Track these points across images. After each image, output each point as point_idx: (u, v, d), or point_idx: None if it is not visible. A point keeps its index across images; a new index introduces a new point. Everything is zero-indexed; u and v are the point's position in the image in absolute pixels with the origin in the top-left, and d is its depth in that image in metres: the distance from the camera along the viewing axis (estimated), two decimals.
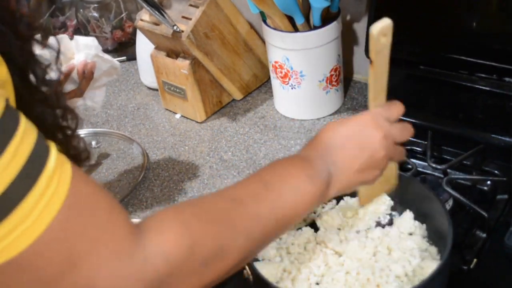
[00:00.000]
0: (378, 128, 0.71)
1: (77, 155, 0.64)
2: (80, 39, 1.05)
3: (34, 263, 0.47)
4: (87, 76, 1.04)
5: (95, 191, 0.52)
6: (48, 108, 0.57)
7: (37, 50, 0.57)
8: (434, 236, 0.84)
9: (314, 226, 0.91)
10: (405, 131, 0.75)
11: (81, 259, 0.48)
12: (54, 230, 0.47)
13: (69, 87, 1.03)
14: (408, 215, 0.87)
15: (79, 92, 1.05)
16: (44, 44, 0.58)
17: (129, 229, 0.52)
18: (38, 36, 0.57)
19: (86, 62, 1.03)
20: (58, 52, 0.60)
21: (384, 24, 0.67)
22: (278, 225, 0.65)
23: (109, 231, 0.50)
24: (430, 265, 0.78)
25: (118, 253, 0.50)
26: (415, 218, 0.87)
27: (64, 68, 1.01)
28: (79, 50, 1.05)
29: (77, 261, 0.48)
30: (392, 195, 0.90)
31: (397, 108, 0.75)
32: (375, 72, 0.71)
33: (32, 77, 0.55)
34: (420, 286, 0.73)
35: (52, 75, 0.59)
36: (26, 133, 0.47)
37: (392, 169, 0.80)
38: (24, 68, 0.54)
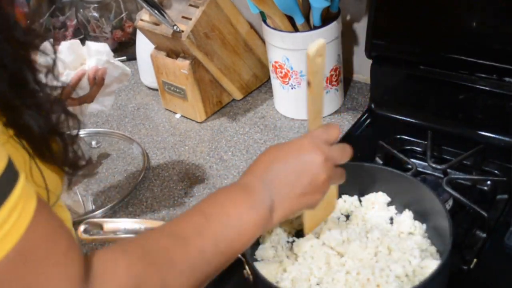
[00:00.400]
0: (318, 151, 0.70)
1: (74, 161, 0.63)
2: (91, 45, 1.05)
3: None
4: (98, 82, 1.04)
5: (54, 231, 0.52)
6: (41, 114, 0.56)
7: (38, 56, 0.57)
8: (433, 236, 0.84)
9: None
10: (345, 153, 0.74)
11: None
12: (9, 263, 0.47)
13: (80, 92, 1.03)
14: (408, 214, 0.87)
15: (90, 98, 1.05)
16: (39, 50, 0.57)
17: (81, 271, 0.52)
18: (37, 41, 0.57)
19: (97, 68, 1.03)
20: (55, 58, 0.59)
21: (319, 45, 0.67)
22: (223, 257, 0.65)
23: (63, 271, 0.51)
24: (430, 265, 0.78)
25: None
26: (415, 218, 0.87)
27: (75, 73, 1.01)
28: (90, 56, 1.05)
29: None
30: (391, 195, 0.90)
31: (335, 130, 0.74)
32: (312, 93, 0.71)
33: (26, 83, 0.54)
34: (420, 286, 0.73)
35: (49, 81, 0.59)
36: None
37: (333, 192, 0.79)
38: (16, 73, 0.53)
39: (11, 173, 0.48)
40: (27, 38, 0.55)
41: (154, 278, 0.57)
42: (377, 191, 0.91)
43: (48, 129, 0.57)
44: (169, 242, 0.61)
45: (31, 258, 0.49)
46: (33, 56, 0.56)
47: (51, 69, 0.59)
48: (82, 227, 0.92)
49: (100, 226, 1.01)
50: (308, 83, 0.70)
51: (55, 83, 0.59)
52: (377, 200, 0.90)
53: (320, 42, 0.67)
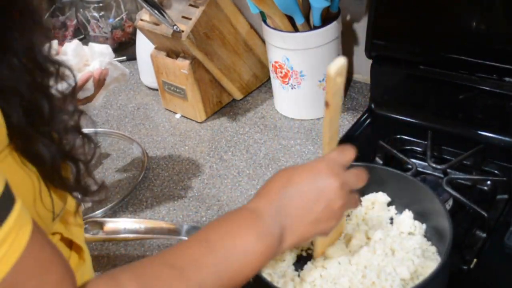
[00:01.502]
0: (334, 177, 0.67)
1: (86, 187, 0.62)
2: (95, 46, 1.05)
3: None
4: (100, 83, 1.04)
5: (48, 260, 0.51)
6: (55, 141, 0.55)
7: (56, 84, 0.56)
8: (433, 236, 0.84)
9: None
10: (360, 178, 0.71)
11: None
12: None
13: (85, 93, 1.03)
14: (408, 214, 0.87)
15: (91, 98, 1.05)
16: (58, 78, 0.57)
17: None
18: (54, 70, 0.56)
19: (101, 70, 1.03)
20: (75, 86, 0.59)
21: (340, 64, 0.63)
22: None
23: None
24: (430, 265, 0.78)
25: None
26: (415, 218, 0.87)
27: (80, 75, 1.00)
28: (94, 58, 1.04)
29: None
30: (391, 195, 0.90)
31: (350, 153, 0.70)
32: (330, 114, 0.68)
33: (41, 111, 0.54)
34: (420, 286, 0.73)
35: (67, 107, 0.58)
36: None
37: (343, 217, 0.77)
38: (31, 102, 0.52)
39: (6, 200, 0.47)
40: (46, 66, 0.54)
41: None
42: (377, 191, 0.91)
43: (61, 156, 0.56)
44: (167, 273, 0.58)
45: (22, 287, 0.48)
46: (51, 83, 0.56)
47: (71, 95, 0.59)
48: None
49: (100, 226, 1.01)
50: (327, 104, 0.66)
51: (72, 108, 0.59)
52: (377, 200, 0.90)
53: (341, 61, 0.64)
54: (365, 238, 0.84)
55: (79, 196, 0.62)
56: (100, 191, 0.66)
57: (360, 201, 0.74)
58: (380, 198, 0.90)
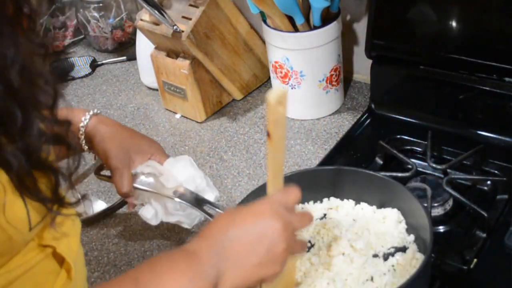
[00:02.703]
0: (276, 219, 0.64)
1: (62, 199, 0.61)
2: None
3: None
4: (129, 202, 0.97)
5: None
6: (27, 151, 0.55)
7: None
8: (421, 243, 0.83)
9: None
10: (305, 219, 0.69)
11: None
12: None
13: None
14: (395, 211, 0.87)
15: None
16: (40, 87, 0.56)
17: None
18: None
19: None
20: (55, 96, 0.58)
21: (280, 92, 0.61)
22: None
23: None
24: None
25: None
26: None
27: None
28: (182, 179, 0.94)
29: None
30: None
31: (295, 193, 0.68)
32: (273, 146, 0.64)
33: (12, 120, 0.53)
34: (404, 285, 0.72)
35: (50, 118, 0.57)
36: None
37: (292, 267, 0.75)
38: (4, 111, 0.52)
39: None
40: (24, 79, 0.53)
41: None
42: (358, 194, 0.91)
43: (33, 165, 0.56)
44: None
45: None
46: (31, 94, 0.55)
47: (51, 107, 0.58)
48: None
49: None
50: (268, 135, 0.63)
51: (54, 120, 0.58)
52: (343, 205, 0.91)
53: (282, 90, 0.62)
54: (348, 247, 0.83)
55: (52, 209, 0.60)
56: (78, 204, 0.65)
57: (306, 245, 0.71)
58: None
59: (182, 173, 0.93)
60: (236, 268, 0.63)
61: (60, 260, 0.65)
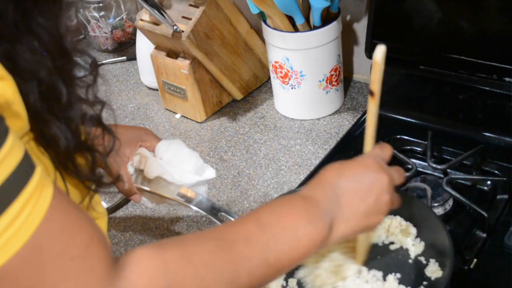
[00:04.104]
0: (383, 171, 0.69)
1: (100, 178, 0.62)
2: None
3: (1, 285, 0.46)
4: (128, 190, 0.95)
5: (73, 224, 0.50)
6: (71, 128, 0.55)
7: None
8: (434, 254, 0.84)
9: None
10: (401, 174, 0.73)
11: None
12: (25, 256, 0.46)
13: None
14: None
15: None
16: (80, 65, 0.57)
17: (105, 265, 0.50)
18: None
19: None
20: (95, 75, 0.59)
21: (384, 50, 0.63)
22: (271, 269, 0.61)
23: (83, 265, 0.49)
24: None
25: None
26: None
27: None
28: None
29: None
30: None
31: (389, 149, 0.74)
32: (376, 104, 0.67)
33: (59, 97, 0.53)
34: None
35: (89, 97, 0.58)
36: (10, 152, 0.46)
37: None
38: (50, 86, 0.52)
39: (27, 165, 0.47)
40: (69, 53, 0.54)
41: (191, 278, 0.55)
42: None
43: (76, 143, 0.56)
44: (213, 244, 0.58)
45: (47, 252, 0.47)
46: (72, 71, 0.56)
47: (91, 85, 0.59)
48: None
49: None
50: (371, 93, 0.65)
51: (94, 99, 0.59)
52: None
53: (384, 47, 0.64)
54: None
55: (91, 187, 0.61)
56: (114, 184, 0.65)
57: (401, 200, 0.75)
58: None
59: (178, 154, 0.92)
60: (348, 215, 0.67)
61: None
